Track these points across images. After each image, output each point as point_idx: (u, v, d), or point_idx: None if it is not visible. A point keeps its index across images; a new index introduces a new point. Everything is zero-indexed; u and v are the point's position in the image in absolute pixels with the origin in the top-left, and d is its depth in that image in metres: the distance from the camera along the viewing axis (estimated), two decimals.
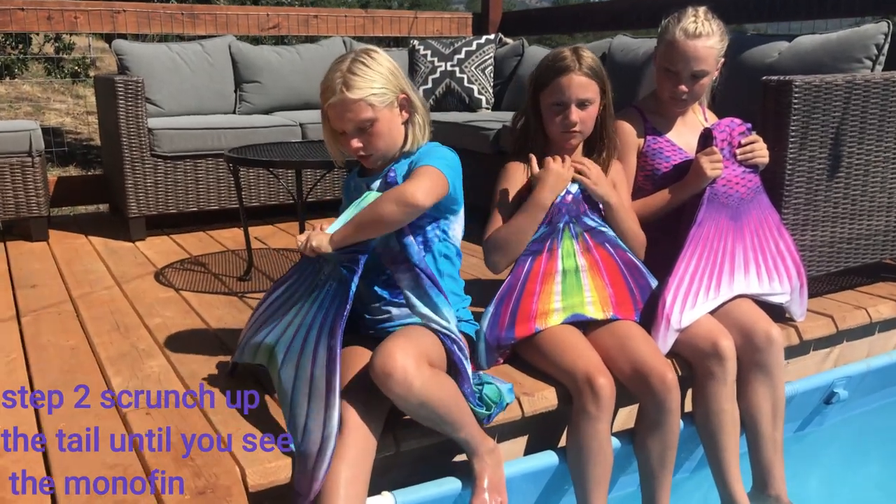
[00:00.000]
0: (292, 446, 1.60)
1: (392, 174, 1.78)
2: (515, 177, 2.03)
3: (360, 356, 1.72)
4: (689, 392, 2.06)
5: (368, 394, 1.62)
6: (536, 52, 4.34)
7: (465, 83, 4.37)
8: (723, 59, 2.13)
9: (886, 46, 2.61)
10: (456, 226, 1.86)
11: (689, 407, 2.07)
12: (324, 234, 1.70)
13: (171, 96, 4.03)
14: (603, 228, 1.99)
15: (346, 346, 1.79)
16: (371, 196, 1.72)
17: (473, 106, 4.36)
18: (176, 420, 1.76)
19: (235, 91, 4.28)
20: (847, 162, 2.36)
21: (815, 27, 3.25)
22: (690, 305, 2.02)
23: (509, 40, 4.64)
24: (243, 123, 3.82)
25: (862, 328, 2.49)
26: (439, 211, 1.78)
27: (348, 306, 1.60)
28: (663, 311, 1.98)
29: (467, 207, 1.87)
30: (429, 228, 1.79)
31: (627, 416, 2.03)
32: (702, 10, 2.09)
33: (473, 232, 2.01)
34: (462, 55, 4.40)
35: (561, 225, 1.97)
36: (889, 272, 2.80)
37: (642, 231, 2.06)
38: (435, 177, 1.68)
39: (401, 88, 1.75)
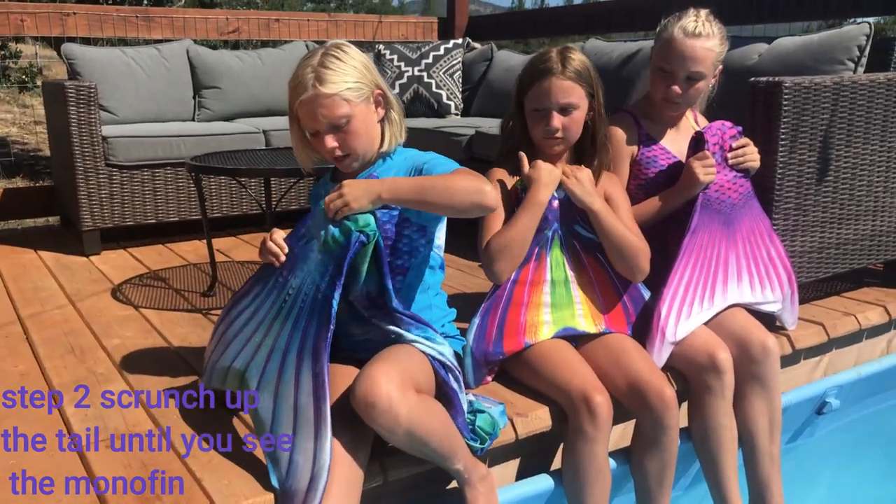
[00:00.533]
0: (273, 482, 1.45)
1: (375, 176, 1.65)
2: (502, 182, 1.92)
3: (339, 378, 1.58)
4: (684, 406, 1.96)
5: (352, 420, 1.48)
6: (506, 57, 4.25)
7: (434, 88, 4.25)
8: (720, 67, 2.04)
9: (868, 48, 2.57)
10: (441, 234, 1.74)
11: (683, 422, 1.98)
12: (360, 183, 1.53)
13: (126, 103, 3.84)
14: (595, 238, 1.89)
15: None
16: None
17: (442, 112, 4.25)
18: (141, 456, 1.60)
19: (194, 97, 4.10)
20: (835, 165, 2.31)
21: (777, 30, 3.22)
22: (685, 316, 1.93)
23: (477, 45, 4.55)
24: (204, 131, 3.65)
25: (851, 335, 2.44)
26: (427, 218, 1.66)
27: (331, 327, 1.45)
28: (658, 324, 1.89)
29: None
30: (416, 236, 1.67)
31: (621, 434, 1.93)
32: (704, 11, 2.00)
33: (452, 244, 1.89)
34: (430, 60, 4.29)
35: (549, 233, 1.86)
36: (872, 277, 2.76)
37: (643, 240, 1.92)
38: (472, 171, 1.58)
39: (375, 83, 1.63)
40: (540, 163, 1.84)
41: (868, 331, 2.49)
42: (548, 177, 1.82)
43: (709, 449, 1.91)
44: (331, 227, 1.50)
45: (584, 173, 1.86)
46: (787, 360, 2.29)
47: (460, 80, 4.35)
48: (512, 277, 1.84)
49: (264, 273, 1.65)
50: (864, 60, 2.59)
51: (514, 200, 1.88)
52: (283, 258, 1.59)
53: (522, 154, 1.86)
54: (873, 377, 2.43)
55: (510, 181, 1.91)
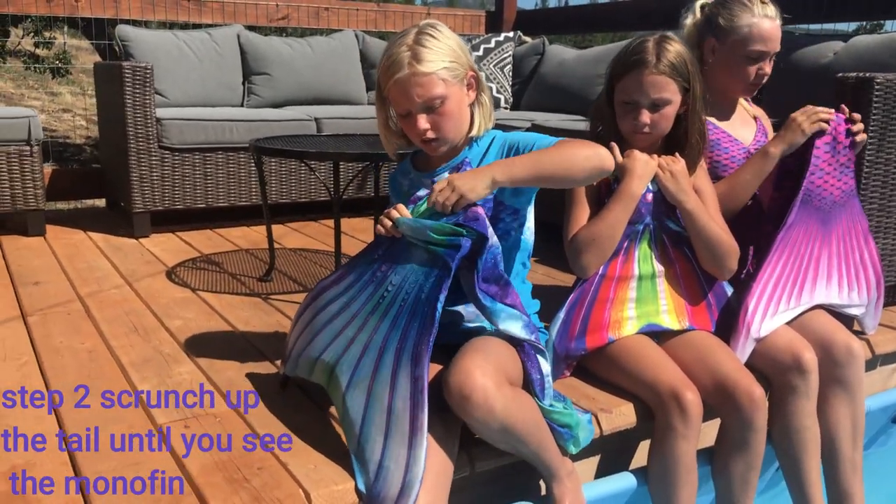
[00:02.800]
0: (360, 484, 1.39)
1: (468, 167, 1.60)
2: None
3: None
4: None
5: (442, 410, 1.43)
6: (559, 52, 4.19)
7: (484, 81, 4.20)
8: None
9: None
10: (531, 217, 1.69)
11: None
12: (468, 174, 1.45)
13: (177, 86, 3.82)
14: (684, 233, 1.83)
15: None
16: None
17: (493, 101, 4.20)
18: (221, 436, 1.56)
19: (243, 83, 4.08)
20: None
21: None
22: (771, 313, 1.87)
23: (528, 39, 4.49)
24: (255, 116, 3.62)
25: None
26: (520, 200, 1.61)
27: (435, 330, 1.35)
28: (745, 318, 1.83)
29: None
30: (509, 219, 1.62)
31: (704, 433, 1.87)
32: None
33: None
34: (480, 53, 4.24)
35: (640, 227, 1.80)
36: None
37: (732, 238, 1.85)
38: (583, 139, 1.54)
39: (469, 65, 1.57)
40: (636, 153, 1.78)
41: None
42: (643, 168, 1.76)
43: (791, 451, 1.85)
44: (441, 224, 1.42)
45: (679, 166, 1.80)
46: (865, 366, 2.22)
47: (511, 73, 4.30)
48: (599, 272, 1.79)
49: (358, 264, 1.56)
50: None
51: (603, 192, 1.82)
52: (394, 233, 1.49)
53: (614, 144, 1.80)
54: None
55: None
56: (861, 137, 1.97)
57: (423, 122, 1.54)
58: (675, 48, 1.76)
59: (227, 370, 1.90)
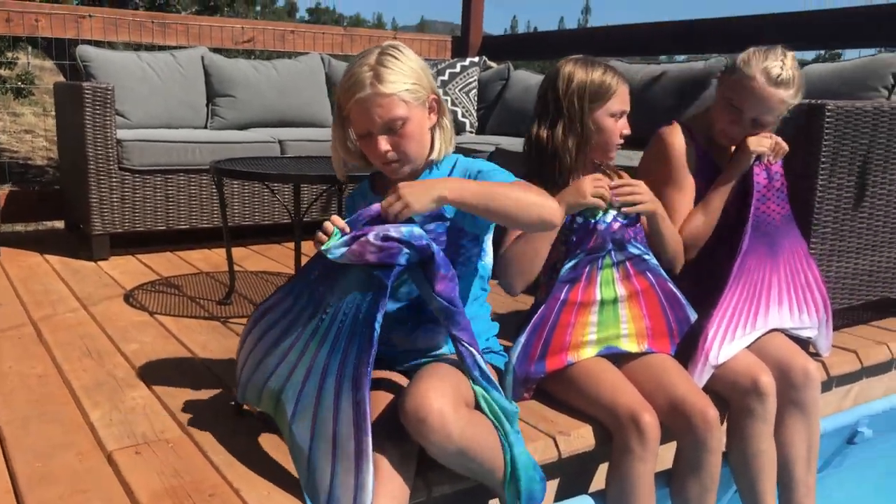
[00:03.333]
0: None
1: None
2: None
3: (379, 392, 1.52)
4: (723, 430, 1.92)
5: (398, 435, 1.42)
6: (524, 77, 4.24)
7: (449, 105, 4.23)
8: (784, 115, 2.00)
9: None
10: (489, 243, 1.69)
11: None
12: (418, 183, 1.44)
13: (140, 107, 3.79)
14: (647, 257, 1.84)
15: None
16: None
17: (457, 129, 4.20)
18: (173, 462, 1.53)
19: (207, 105, 4.05)
20: (872, 191, 2.29)
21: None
22: (729, 340, 1.89)
23: (493, 64, 4.54)
24: (219, 138, 3.60)
25: (881, 365, 2.41)
26: (481, 227, 1.61)
27: (373, 351, 1.34)
28: (703, 346, 1.85)
29: None
30: (469, 245, 1.62)
31: (661, 455, 1.87)
32: (790, 54, 1.93)
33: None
34: (446, 77, 4.27)
35: (602, 254, 1.81)
36: None
37: (682, 245, 1.93)
38: (536, 188, 1.53)
39: (431, 88, 1.57)
40: (582, 183, 1.75)
41: None
42: (572, 195, 1.73)
43: (748, 475, 1.86)
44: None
45: (642, 185, 1.82)
46: (820, 388, 2.25)
47: (476, 98, 4.33)
48: (561, 297, 1.78)
49: (297, 285, 1.53)
50: None
51: None
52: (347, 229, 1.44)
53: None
54: None
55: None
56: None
57: (384, 143, 1.52)
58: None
59: (182, 395, 1.87)
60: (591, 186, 1.74)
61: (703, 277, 1.94)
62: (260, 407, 1.60)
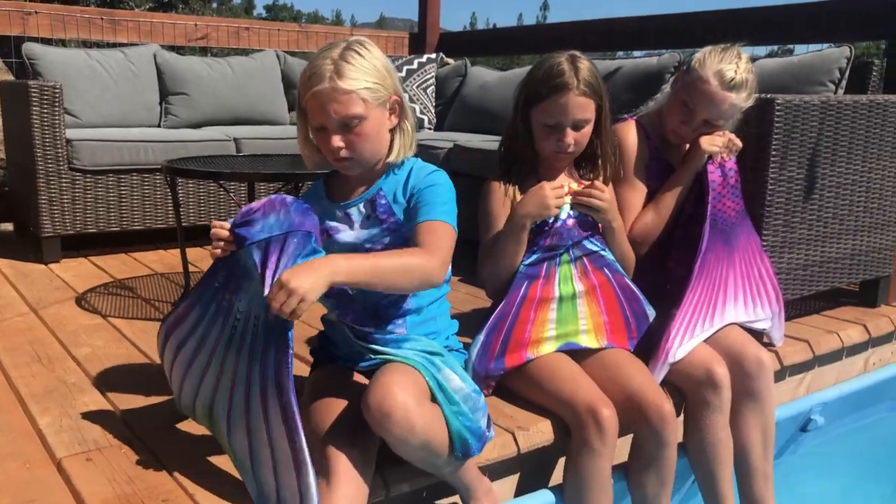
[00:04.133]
0: None
1: (382, 200, 1.55)
2: (498, 196, 1.86)
3: (339, 391, 1.51)
4: (679, 420, 1.94)
5: (356, 434, 1.41)
6: (480, 73, 4.24)
7: (407, 102, 4.21)
8: (741, 116, 2.02)
9: (848, 71, 2.62)
10: None
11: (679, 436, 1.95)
12: (302, 269, 1.31)
13: (90, 106, 3.71)
14: (603, 253, 1.85)
15: (318, 381, 1.58)
16: None
17: (416, 125, 4.22)
18: (126, 469, 1.50)
19: (161, 103, 3.98)
20: (821, 184, 2.33)
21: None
22: (689, 337, 1.90)
23: (451, 60, 4.53)
24: (172, 137, 3.53)
25: (832, 353, 2.46)
26: None
27: (290, 352, 1.31)
28: (664, 346, 1.86)
29: None
30: None
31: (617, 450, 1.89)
32: (744, 56, 1.94)
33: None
34: (403, 74, 4.26)
35: (561, 250, 1.82)
36: (848, 297, 2.80)
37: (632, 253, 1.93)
38: (451, 241, 1.50)
39: (394, 89, 1.54)
40: (542, 188, 1.75)
41: (848, 349, 2.51)
42: (537, 204, 1.74)
43: (706, 464, 1.89)
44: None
45: (609, 194, 1.80)
46: (774, 377, 2.29)
47: (434, 94, 4.32)
48: (520, 294, 1.79)
49: (202, 295, 1.48)
50: (843, 83, 2.64)
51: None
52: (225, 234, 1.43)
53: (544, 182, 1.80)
54: (854, 395, 2.45)
55: (509, 194, 1.86)
56: (737, 147, 2.00)
57: (336, 140, 1.48)
58: (587, 65, 1.78)
59: (136, 400, 1.83)
60: (552, 197, 1.73)
61: (659, 276, 1.96)
62: (196, 421, 1.57)
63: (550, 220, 1.80)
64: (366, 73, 1.46)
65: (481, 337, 1.77)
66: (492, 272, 1.83)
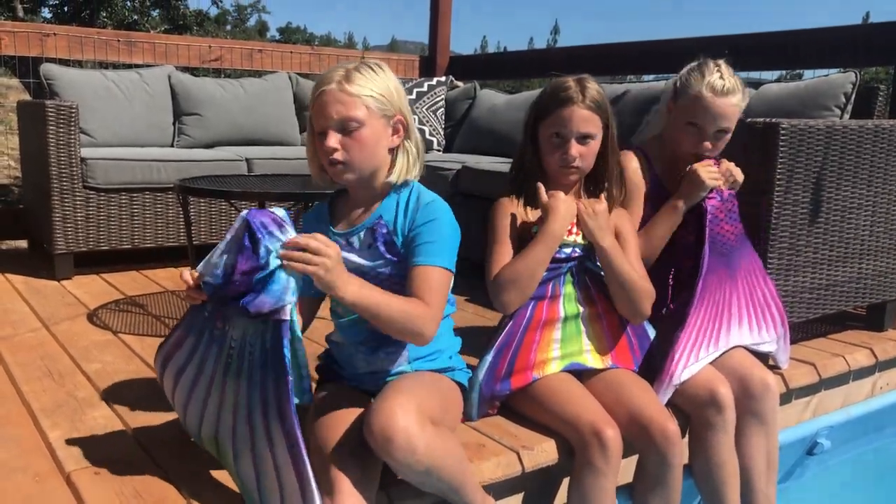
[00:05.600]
0: None
1: (383, 230, 1.57)
2: (509, 212, 1.88)
3: (344, 409, 1.52)
4: (685, 443, 1.94)
5: (361, 453, 1.42)
6: (489, 96, 4.29)
7: (417, 124, 4.26)
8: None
9: (854, 95, 2.64)
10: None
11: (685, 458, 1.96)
12: (342, 268, 1.39)
13: (105, 126, 3.76)
14: (593, 265, 1.86)
15: (324, 399, 1.60)
16: None
17: (425, 148, 4.26)
18: (134, 483, 1.51)
19: (174, 123, 4.04)
20: (826, 207, 2.35)
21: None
22: (693, 360, 1.91)
23: (460, 83, 4.58)
24: (185, 156, 3.59)
25: (839, 377, 2.46)
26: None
27: (289, 378, 1.32)
28: (669, 368, 1.87)
29: None
30: None
31: (622, 470, 1.89)
32: (722, 63, 1.99)
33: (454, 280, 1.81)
34: (413, 96, 4.31)
35: (564, 268, 1.84)
36: (854, 320, 2.80)
37: (648, 282, 1.87)
38: (446, 290, 1.53)
39: (400, 109, 1.57)
40: (559, 194, 1.81)
41: (855, 372, 2.51)
42: (565, 209, 1.79)
43: (711, 486, 1.89)
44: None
45: (601, 206, 1.83)
46: (780, 400, 2.27)
47: (443, 117, 4.37)
48: (526, 316, 1.80)
49: (194, 323, 1.49)
50: (849, 107, 2.66)
51: (523, 233, 1.84)
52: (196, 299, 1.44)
53: (540, 184, 1.83)
54: (861, 419, 2.45)
55: (519, 211, 1.88)
56: (738, 178, 2.03)
57: (333, 139, 1.49)
58: (594, 86, 1.82)
59: (145, 415, 1.85)
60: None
61: (664, 300, 1.97)
62: (203, 447, 1.58)
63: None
64: (374, 85, 1.51)
65: (489, 358, 1.78)
66: (520, 291, 1.78)
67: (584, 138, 1.80)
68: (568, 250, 1.83)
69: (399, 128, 1.58)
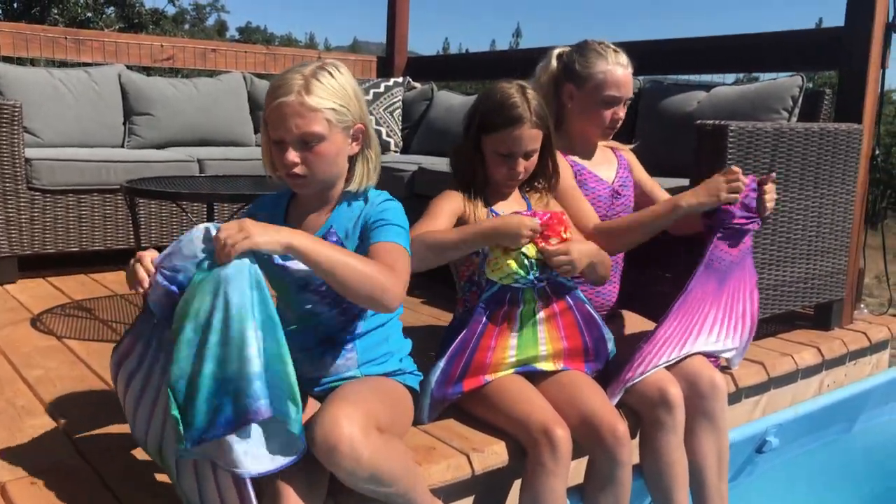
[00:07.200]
0: None
1: (333, 238, 1.54)
2: (453, 202, 1.88)
3: None
4: (636, 443, 1.95)
5: (307, 461, 1.38)
6: (446, 98, 4.28)
7: (374, 125, 4.23)
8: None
9: (801, 99, 2.69)
10: None
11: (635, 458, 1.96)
12: (269, 228, 1.32)
13: (51, 126, 3.67)
14: (563, 280, 1.84)
15: None
16: None
17: (381, 148, 4.23)
18: (71, 492, 1.47)
19: (125, 123, 3.96)
20: (774, 209, 2.37)
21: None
22: (652, 367, 1.92)
23: (417, 84, 4.57)
24: (135, 157, 3.51)
25: (787, 375, 2.50)
26: None
27: None
28: (625, 375, 1.87)
29: None
30: None
31: (573, 471, 1.89)
32: (606, 42, 2.12)
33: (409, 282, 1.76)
34: (370, 97, 4.28)
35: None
36: (803, 320, 2.85)
37: (604, 255, 1.89)
38: (407, 264, 1.49)
39: (360, 117, 1.53)
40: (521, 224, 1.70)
41: (803, 371, 2.55)
42: (511, 236, 1.70)
43: (661, 485, 1.90)
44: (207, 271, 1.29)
45: (576, 251, 1.75)
46: (730, 399, 2.30)
47: (400, 118, 4.35)
48: (482, 323, 1.77)
49: (143, 330, 1.44)
50: (796, 110, 2.71)
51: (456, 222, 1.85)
52: (146, 285, 1.34)
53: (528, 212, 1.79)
54: (809, 416, 2.49)
55: (466, 206, 1.88)
56: (770, 198, 1.99)
57: (292, 155, 1.46)
58: (534, 95, 1.84)
59: (86, 423, 1.80)
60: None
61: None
62: (149, 456, 1.53)
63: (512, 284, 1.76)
64: (334, 95, 1.46)
65: (441, 364, 1.75)
66: (427, 262, 1.74)
67: (529, 154, 1.84)
68: (530, 277, 1.75)
69: (359, 136, 1.55)
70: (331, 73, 1.47)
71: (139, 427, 1.50)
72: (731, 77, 3.48)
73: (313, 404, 1.55)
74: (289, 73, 1.47)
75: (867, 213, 2.92)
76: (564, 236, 1.73)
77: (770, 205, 2.00)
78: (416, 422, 1.78)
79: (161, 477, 1.54)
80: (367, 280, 1.38)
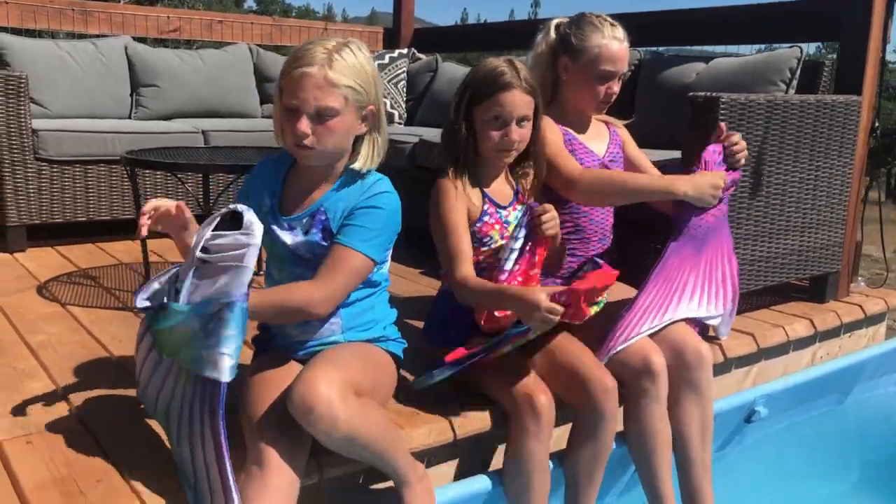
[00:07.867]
0: None
1: (322, 217, 1.58)
2: (450, 196, 1.85)
3: (275, 381, 1.54)
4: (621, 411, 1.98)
5: (291, 423, 1.42)
6: (450, 69, 4.28)
7: (384, 112, 4.24)
8: None
9: (798, 71, 2.67)
10: (385, 266, 1.71)
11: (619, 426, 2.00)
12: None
13: (59, 97, 3.72)
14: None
15: (256, 370, 1.61)
16: None
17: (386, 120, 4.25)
18: (65, 453, 1.53)
19: (131, 95, 4.00)
20: (767, 181, 2.38)
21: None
22: (635, 335, 1.94)
23: (422, 56, 4.56)
24: (140, 128, 3.56)
25: (779, 346, 2.52)
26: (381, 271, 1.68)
27: (223, 381, 1.34)
28: (608, 343, 1.90)
29: None
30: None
31: (557, 438, 1.93)
32: (603, 15, 2.10)
33: (408, 253, 1.80)
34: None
35: None
36: (798, 292, 2.86)
37: None
38: (351, 274, 1.54)
39: (374, 100, 1.56)
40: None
41: (795, 343, 2.57)
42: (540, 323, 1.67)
43: (644, 453, 1.93)
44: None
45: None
46: (719, 369, 2.34)
47: (405, 89, 4.36)
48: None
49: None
50: (794, 82, 2.69)
51: (473, 217, 1.85)
52: (144, 232, 1.54)
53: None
54: (799, 387, 2.50)
55: (461, 192, 1.86)
56: (742, 156, 2.04)
57: (304, 125, 1.48)
58: (524, 68, 1.84)
59: (85, 386, 1.86)
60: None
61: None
62: (155, 418, 1.59)
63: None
64: (355, 74, 1.49)
65: (447, 372, 1.73)
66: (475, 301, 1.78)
67: (521, 121, 1.82)
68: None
69: (369, 117, 1.58)
70: (353, 52, 1.51)
71: (151, 391, 1.54)
72: (745, 48, 3.42)
73: (296, 367, 1.59)
74: (312, 44, 1.50)
75: (890, 187, 2.90)
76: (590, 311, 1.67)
77: (740, 156, 2.05)
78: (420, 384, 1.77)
79: (153, 439, 1.60)
80: (292, 312, 1.54)
